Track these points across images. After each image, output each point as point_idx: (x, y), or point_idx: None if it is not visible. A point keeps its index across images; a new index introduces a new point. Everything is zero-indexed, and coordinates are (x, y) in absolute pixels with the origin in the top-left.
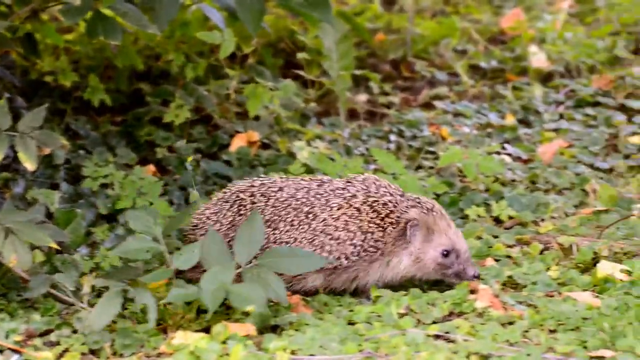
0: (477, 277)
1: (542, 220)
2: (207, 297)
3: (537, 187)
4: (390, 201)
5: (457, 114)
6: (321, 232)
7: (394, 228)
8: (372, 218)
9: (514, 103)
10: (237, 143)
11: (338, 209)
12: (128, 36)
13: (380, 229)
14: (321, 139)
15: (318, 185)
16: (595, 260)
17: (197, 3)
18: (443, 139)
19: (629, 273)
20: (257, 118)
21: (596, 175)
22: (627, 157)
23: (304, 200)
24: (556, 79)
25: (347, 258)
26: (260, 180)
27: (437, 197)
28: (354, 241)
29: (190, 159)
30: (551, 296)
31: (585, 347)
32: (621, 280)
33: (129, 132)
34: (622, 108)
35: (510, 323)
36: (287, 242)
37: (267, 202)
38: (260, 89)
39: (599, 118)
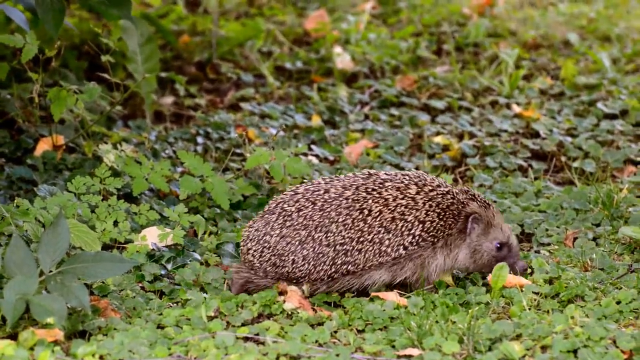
0: (526, 270)
1: None
2: (7, 309)
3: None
4: (449, 192)
5: (263, 116)
6: (379, 227)
7: (455, 220)
8: (431, 206)
9: (320, 104)
10: (42, 147)
11: (393, 200)
12: None
13: (441, 218)
14: (128, 142)
15: (365, 180)
16: None
17: None
18: (250, 140)
19: None
20: (62, 121)
21: None
22: (431, 156)
23: (355, 197)
24: (361, 79)
25: (405, 248)
26: (304, 186)
27: (245, 199)
28: (412, 231)
29: None
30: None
31: (393, 346)
32: None
33: None
34: (426, 108)
35: (320, 324)
36: (342, 244)
37: (313, 206)
38: (64, 92)
39: (403, 118)
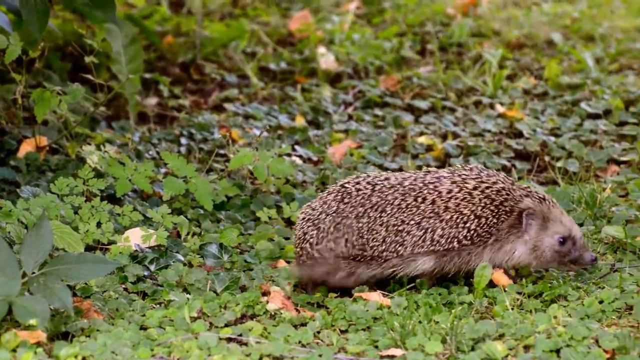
0: (595, 261)
1: None
2: None
3: (327, 188)
4: (503, 189)
5: (247, 116)
6: (431, 213)
7: (507, 216)
8: (486, 204)
9: (304, 105)
10: (25, 148)
11: (448, 193)
12: None
13: (494, 215)
14: (111, 143)
15: (424, 174)
16: None
17: None
18: (233, 141)
19: None
20: (45, 123)
21: None
22: (415, 157)
23: (411, 186)
24: (345, 80)
25: (459, 242)
26: (366, 174)
27: (229, 199)
28: (467, 225)
29: None
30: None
31: (376, 347)
32: None
33: None
34: (409, 108)
35: (303, 324)
36: (394, 225)
37: (373, 189)
38: (47, 93)
39: (387, 118)
